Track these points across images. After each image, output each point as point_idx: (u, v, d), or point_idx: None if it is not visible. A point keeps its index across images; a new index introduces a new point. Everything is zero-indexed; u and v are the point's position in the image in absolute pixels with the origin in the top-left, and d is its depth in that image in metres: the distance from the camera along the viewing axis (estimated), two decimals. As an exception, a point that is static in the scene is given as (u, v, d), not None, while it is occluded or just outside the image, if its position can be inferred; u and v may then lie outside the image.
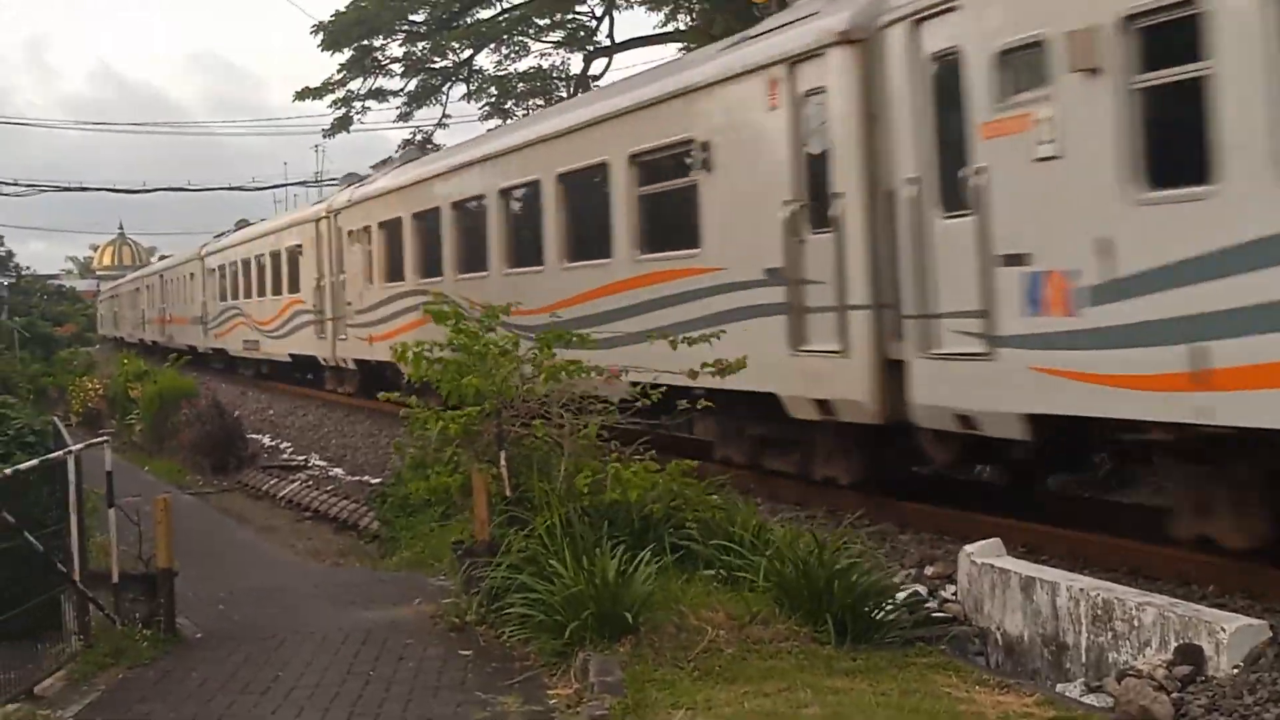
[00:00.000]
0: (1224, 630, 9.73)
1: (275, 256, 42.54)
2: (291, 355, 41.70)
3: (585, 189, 23.94)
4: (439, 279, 29.40)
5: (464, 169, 29.70)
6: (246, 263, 45.76)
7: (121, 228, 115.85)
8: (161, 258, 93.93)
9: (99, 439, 15.59)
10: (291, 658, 11.93)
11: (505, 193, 27.22)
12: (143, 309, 72.43)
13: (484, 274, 27.54)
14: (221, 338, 51.22)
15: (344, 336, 35.70)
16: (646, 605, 10.95)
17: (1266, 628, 9.84)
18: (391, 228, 33.13)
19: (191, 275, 55.60)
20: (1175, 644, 9.91)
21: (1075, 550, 12.97)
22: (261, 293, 44.04)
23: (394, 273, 32.80)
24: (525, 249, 26.29)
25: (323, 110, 53.06)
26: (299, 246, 39.78)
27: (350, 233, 36.13)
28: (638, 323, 20.19)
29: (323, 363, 38.26)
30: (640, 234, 21.66)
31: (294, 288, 40.40)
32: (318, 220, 38.87)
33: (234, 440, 29.18)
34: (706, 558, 12.34)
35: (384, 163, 42.43)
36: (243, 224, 53.07)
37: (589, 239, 23.53)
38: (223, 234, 57.72)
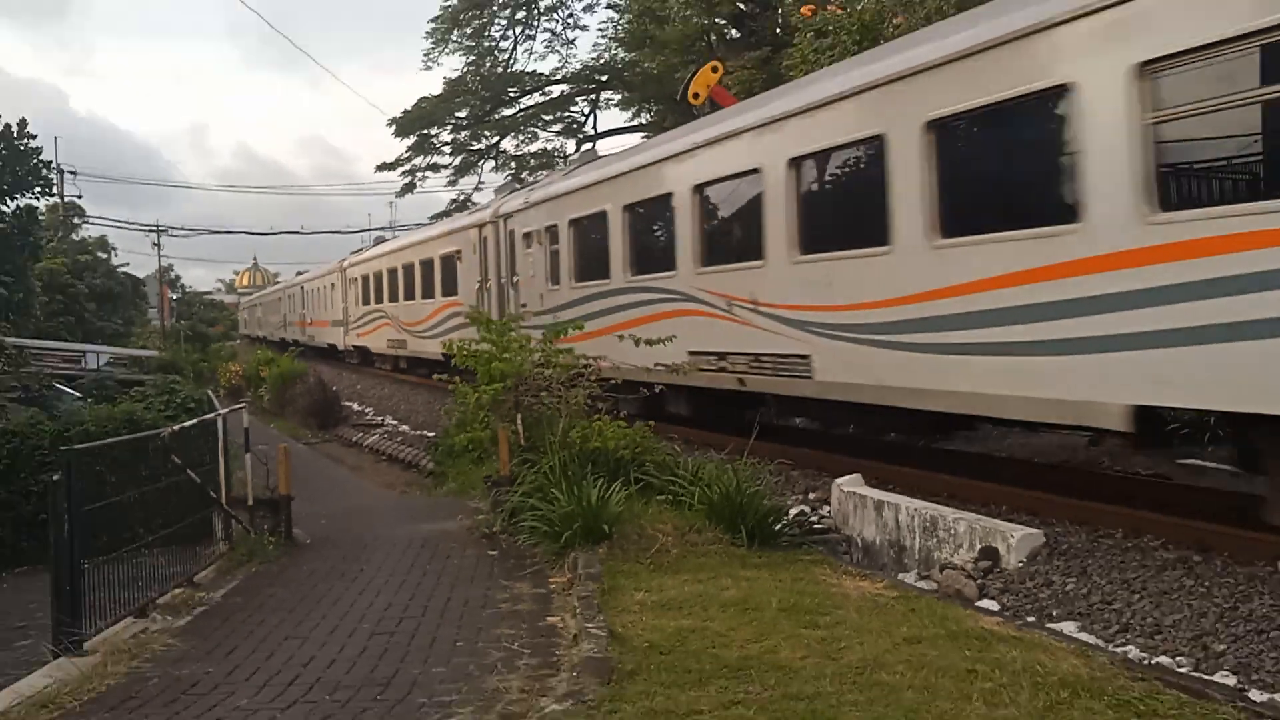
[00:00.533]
0: (1013, 537, 10.02)
1: (427, 264, 35.27)
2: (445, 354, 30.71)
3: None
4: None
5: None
6: (392, 271, 39.51)
7: (255, 259, 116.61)
8: (277, 280, 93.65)
9: (238, 405, 15.90)
10: (372, 556, 12.14)
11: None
12: (284, 314, 67.92)
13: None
14: (364, 337, 45.18)
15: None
16: (617, 520, 11.13)
17: (1042, 535, 10.12)
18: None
19: (332, 285, 50.45)
20: (980, 546, 10.16)
21: (911, 482, 12.83)
22: (410, 296, 36.87)
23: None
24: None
25: (394, 178, 53.70)
26: (457, 252, 31.61)
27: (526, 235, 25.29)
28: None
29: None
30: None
31: (449, 291, 32.57)
32: (480, 226, 29.78)
33: (333, 406, 29.26)
34: (659, 487, 12.41)
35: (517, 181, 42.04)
36: (380, 240, 49.98)
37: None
38: (359, 250, 52.73)
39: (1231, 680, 7.09)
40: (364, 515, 15.28)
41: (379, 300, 42.07)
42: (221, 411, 13.87)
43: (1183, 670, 7.34)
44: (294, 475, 13.70)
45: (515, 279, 25.52)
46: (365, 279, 44.50)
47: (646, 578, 9.98)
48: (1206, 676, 7.18)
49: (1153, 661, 7.52)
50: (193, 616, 9.99)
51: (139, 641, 9.06)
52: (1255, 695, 6.73)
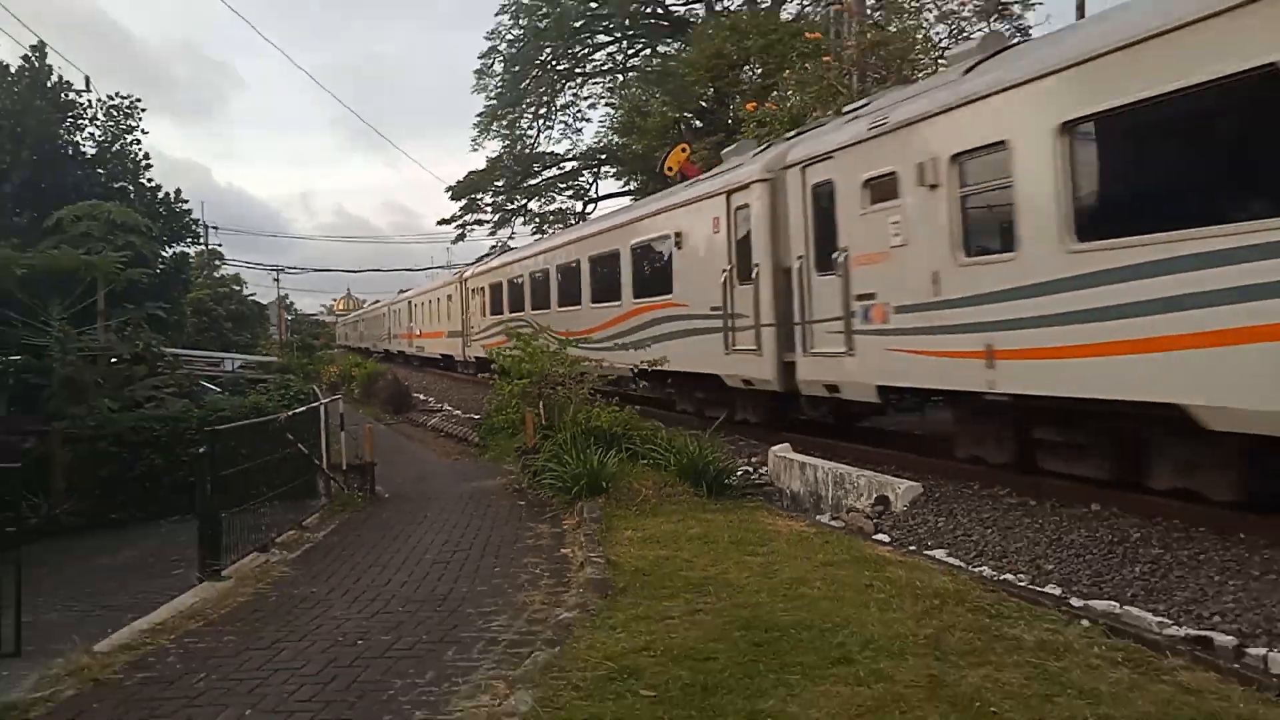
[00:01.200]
0: (900, 488, 10.03)
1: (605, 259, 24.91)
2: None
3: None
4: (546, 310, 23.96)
5: (562, 247, 23.76)
6: (539, 275, 26.79)
7: (348, 290, 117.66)
8: (364, 303, 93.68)
9: (335, 397, 15.96)
10: (433, 505, 12.15)
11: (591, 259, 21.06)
12: (389, 328, 57.77)
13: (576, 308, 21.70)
14: (488, 347, 31.12)
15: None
16: (613, 478, 11.15)
17: (921, 487, 10.08)
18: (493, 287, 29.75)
19: (449, 297, 39.04)
20: (876, 495, 10.17)
21: (827, 450, 12.43)
22: (573, 302, 24.70)
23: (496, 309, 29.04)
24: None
25: (450, 230, 53.72)
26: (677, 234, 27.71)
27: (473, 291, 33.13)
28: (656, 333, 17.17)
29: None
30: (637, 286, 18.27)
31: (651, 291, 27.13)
32: (461, 281, 34.40)
33: (405, 396, 29.16)
34: (643, 454, 12.43)
35: (485, 256, 42.04)
36: (504, 248, 43.09)
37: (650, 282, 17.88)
38: (483, 257, 44.86)
39: (1057, 591, 7.12)
40: (427, 476, 15.27)
41: (516, 309, 29.19)
42: (323, 401, 13.89)
43: (1022, 584, 7.37)
44: (376, 447, 13.74)
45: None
46: (494, 287, 32.06)
47: (634, 520, 10.01)
48: (1039, 589, 7.21)
49: (1000, 578, 7.55)
50: (302, 551, 10.00)
51: (262, 570, 9.09)
52: (1074, 601, 6.76)
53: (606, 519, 10.05)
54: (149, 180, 29.53)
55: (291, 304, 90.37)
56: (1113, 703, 4.79)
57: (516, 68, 48.53)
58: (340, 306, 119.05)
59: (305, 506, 11.91)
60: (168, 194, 29.91)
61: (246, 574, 8.88)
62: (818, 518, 10.47)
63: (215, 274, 49.31)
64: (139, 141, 29.49)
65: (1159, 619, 6.24)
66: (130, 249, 21.08)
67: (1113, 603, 6.63)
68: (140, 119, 29.57)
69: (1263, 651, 5.59)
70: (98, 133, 29.04)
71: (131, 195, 28.07)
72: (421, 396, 30.83)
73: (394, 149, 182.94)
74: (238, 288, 46.73)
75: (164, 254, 27.22)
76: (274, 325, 62.12)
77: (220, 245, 57.60)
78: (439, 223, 57.82)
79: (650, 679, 5.37)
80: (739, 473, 12.00)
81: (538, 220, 50.54)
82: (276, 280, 75.22)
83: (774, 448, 12.31)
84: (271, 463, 11.15)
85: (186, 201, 30.38)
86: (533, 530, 10.25)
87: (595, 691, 5.22)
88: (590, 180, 50.65)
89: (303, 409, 12.95)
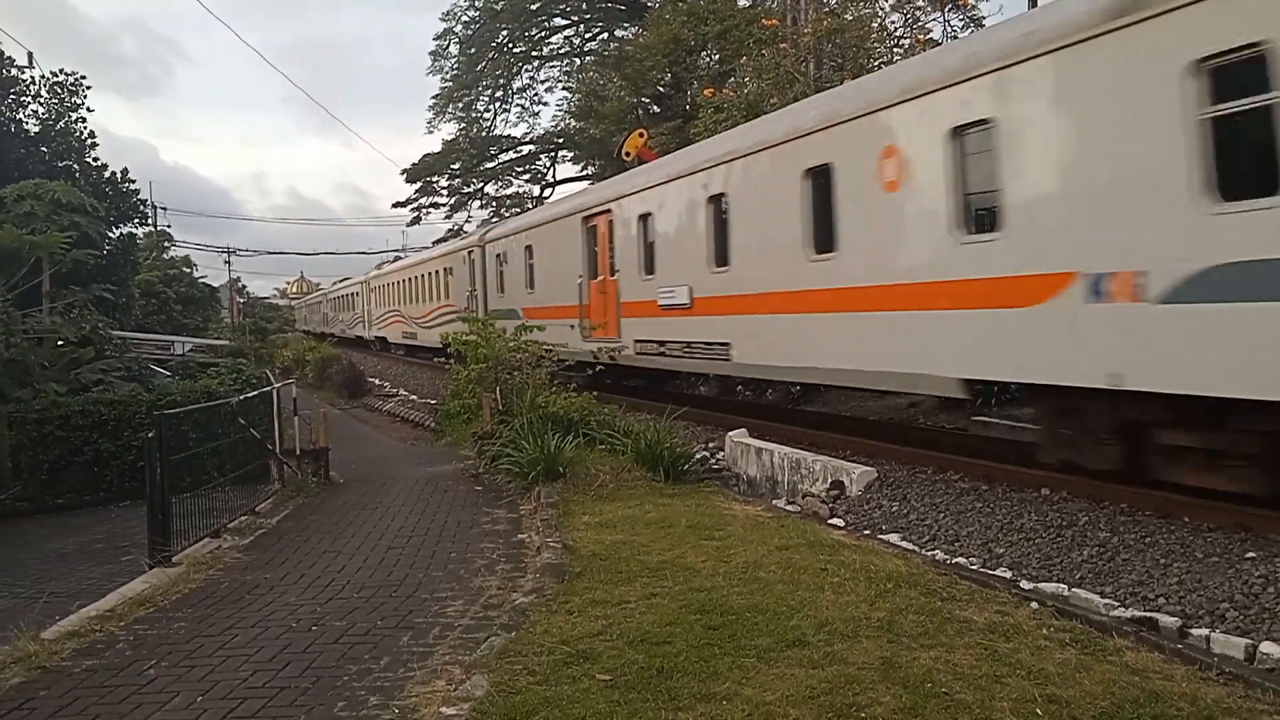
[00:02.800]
0: (855, 473, 10.14)
1: (428, 276, 33.45)
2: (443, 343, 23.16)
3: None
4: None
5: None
6: (405, 281, 35.15)
7: (301, 273, 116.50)
8: (318, 287, 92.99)
9: (288, 381, 15.76)
10: (389, 490, 12.07)
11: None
12: (365, 309, 48.75)
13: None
14: (383, 330, 39.91)
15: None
16: (570, 463, 11.14)
17: (875, 472, 10.22)
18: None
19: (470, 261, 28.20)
20: (831, 480, 10.27)
21: (784, 434, 12.63)
22: (417, 300, 33.93)
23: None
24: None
25: (405, 213, 53.26)
26: (450, 269, 30.32)
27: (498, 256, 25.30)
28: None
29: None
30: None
31: (443, 296, 30.65)
32: (469, 251, 28.38)
33: (360, 381, 28.94)
34: (600, 439, 12.44)
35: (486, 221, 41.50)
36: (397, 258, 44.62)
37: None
38: (496, 222, 38.29)
39: (1008, 574, 7.24)
40: (382, 461, 15.16)
41: (395, 304, 39.04)
42: (276, 385, 13.68)
43: (974, 567, 7.48)
44: (330, 432, 13.60)
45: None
46: (385, 287, 40.81)
47: (591, 505, 9.99)
48: (990, 571, 7.32)
49: (952, 561, 7.66)
50: (254, 537, 9.87)
51: (214, 556, 8.97)
52: (1024, 584, 6.87)
53: (564, 504, 10.02)
54: (95, 159, 28.79)
55: (244, 287, 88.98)
56: (1060, 683, 4.88)
57: (472, 50, 48.15)
58: (294, 289, 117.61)
59: (258, 492, 11.76)
60: (114, 173, 29.19)
61: (198, 560, 8.76)
62: (774, 502, 10.53)
63: (164, 256, 48.27)
64: (84, 120, 28.72)
65: (1106, 601, 6.37)
66: (76, 229, 20.57)
67: (1061, 585, 6.75)
68: (85, 96, 28.79)
69: (1205, 632, 5.72)
70: (41, 110, 28.22)
71: (77, 174, 27.35)
72: (377, 381, 30.58)
73: (348, 130, 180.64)
74: (188, 270, 45.77)
75: (111, 235, 26.55)
76: (225, 308, 61.09)
77: (169, 226, 56.34)
78: (394, 205, 57.33)
79: (606, 663, 5.37)
80: (696, 458, 12.02)
81: (495, 204, 50.31)
82: (228, 262, 74.14)
83: (731, 433, 12.37)
84: (223, 447, 11.11)
85: (134, 181, 29.60)
86: (489, 515, 10.20)
87: (551, 675, 5.21)
88: (548, 164, 50.54)
89: (255, 393, 12.79)
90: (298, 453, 13.06)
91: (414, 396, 25.05)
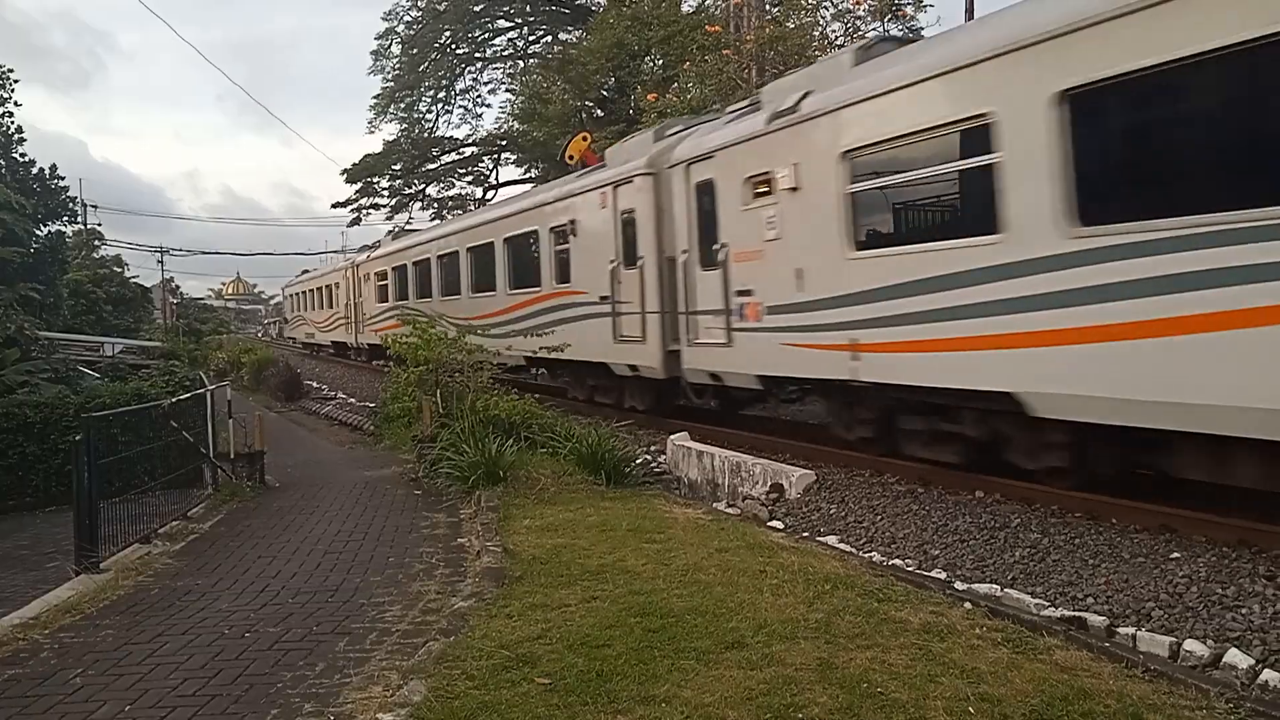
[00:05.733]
0: (794, 476, 10.22)
1: (329, 288, 41.65)
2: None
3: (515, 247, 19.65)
4: (429, 299, 24.91)
5: (438, 239, 25.43)
6: (313, 291, 43.23)
7: (238, 274, 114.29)
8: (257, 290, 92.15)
9: (223, 384, 15.46)
10: (326, 494, 11.92)
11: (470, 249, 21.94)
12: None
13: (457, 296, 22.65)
14: (296, 330, 49.19)
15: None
16: (511, 467, 11.09)
17: (814, 475, 10.30)
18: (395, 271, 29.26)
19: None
20: (770, 483, 10.32)
21: (724, 438, 12.60)
22: (323, 306, 43.01)
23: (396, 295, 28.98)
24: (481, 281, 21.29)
25: (345, 214, 52.43)
26: (337, 284, 38.82)
27: (366, 275, 33.53)
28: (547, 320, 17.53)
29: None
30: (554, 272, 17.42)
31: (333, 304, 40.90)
32: (347, 269, 37.25)
33: (297, 384, 28.41)
34: (542, 443, 12.40)
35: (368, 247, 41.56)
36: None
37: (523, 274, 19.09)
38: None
39: (943, 575, 7.35)
40: (320, 465, 14.91)
41: (302, 310, 47.05)
42: (210, 388, 13.42)
43: (909, 568, 7.58)
44: (266, 435, 13.36)
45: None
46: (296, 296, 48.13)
47: (532, 509, 9.95)
48: (925, 573, 7.43)
49: (889, 563, 7.75)
50: (186, 542, 9.68)
51: (143, 561, 8.79)
52: (958, 585, 6.98)
53: (504, 508, 9.96)
54: (22, 155, 28.03)
55: (177, 287, 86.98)
56: (992, 681, 4.97)
57: (415, 50, 47.73)
58: (230, 291, 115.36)
59: (191, 496, 11.53)
60: (42, 169, 28.44)
61: (127, 566, 8.57)
62: (715, 505, 10.55)
63: (95, 255, 47.07)
64: (10, 114, 27.95)
65: (1037, 601, 6.50)
66: (1, 227, 19.97)
67: (994, 585, 6.88)
68: (12, 90, 27.99)
69: (1132, 631, 5.87)
70: (-36, 105, 27.42)
71: (2, 170, 26.61)
72: (315, 384, 30.10)
73: (286, 128, 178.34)
74: (119, 269, 44.67)
75: (38, 233, 25.84)
76: (158, 309, 59.70)
77: (100, 225, 54.86)
78: (334, 206, 56.70)
79: (546, 666, 5.35)
80: (638, 461, 12.04)
81: (436, 205, 49.83)
82: (160, 262, 72.51)
83: (673, 436, 12.38)
84: (154, 451, 10.89)
85: (63, 178, 28.91)
86: (429, 520, 10.11)
87: (490, 680, 5.18)
88: (491, 166, 50.21)
89: (188, 395, 12.51)
90: (232, 456, 12.80)
91: (352, 399, 24.72)
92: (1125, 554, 7.08)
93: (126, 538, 9.20)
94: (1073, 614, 6.20)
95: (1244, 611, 5.85)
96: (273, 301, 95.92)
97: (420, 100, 49.46)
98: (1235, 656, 5.32)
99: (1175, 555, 6.85)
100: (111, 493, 9.14)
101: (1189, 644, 5.55)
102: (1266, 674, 5.11)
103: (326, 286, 42.46)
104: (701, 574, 7.11)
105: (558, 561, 7.70)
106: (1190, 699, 4.80)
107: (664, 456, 12.49)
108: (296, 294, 51.52)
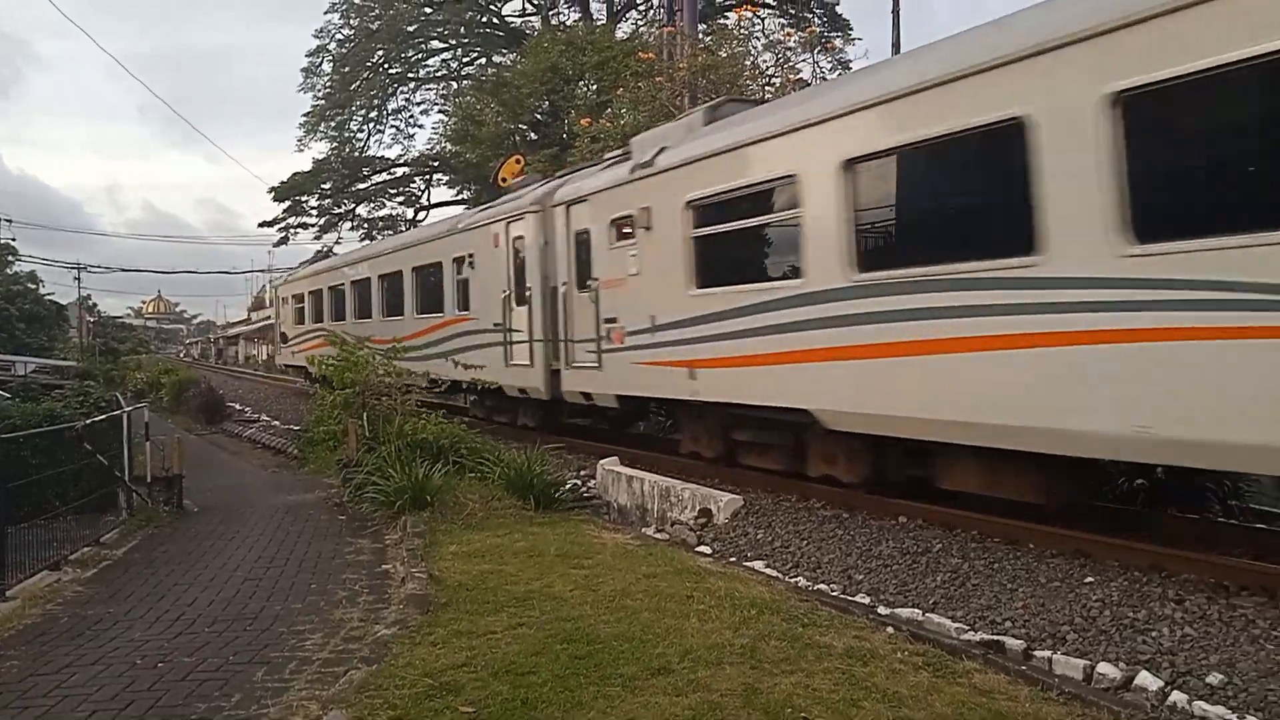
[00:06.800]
0: (722, 501, 10.23)
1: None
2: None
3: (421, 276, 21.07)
4: (344, 322, 25.44)
5: (356, 264, 26.53)
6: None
7: (159, 292, 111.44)
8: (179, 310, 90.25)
9: (141, 405, 15.02)
10: (247, 519, 11.63)
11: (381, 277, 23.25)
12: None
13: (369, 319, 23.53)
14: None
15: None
16: (438, 492, 10.99)
17: (742, 500, 10.31)
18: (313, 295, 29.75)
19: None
20: (699, 508, 10.34)
21: (654, 462, 12.63)
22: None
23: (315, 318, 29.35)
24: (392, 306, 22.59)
25: (272, 232, 51.53)
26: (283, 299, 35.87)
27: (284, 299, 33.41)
28: (451, 346, 18.49)
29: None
30: (455, 300, 18.78)
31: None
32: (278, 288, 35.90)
33: (219, 405, 27.77)
34: (470, 467, 12.29)
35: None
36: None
37: (427, 302, 20.70)
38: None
39: (866, 600, 7.45)
40: (241, 489, 14.56)
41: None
42: (127, 409, 13.02)
43: (834, 593, 7.66)
44: (185, 459, 13.01)
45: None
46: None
47: (459, 534, 9.89)
48: (850, 598, 7.52)
49: (814, 587, 7.83)
50: (98, 569, 9.36)
51: (53, 589, 8.48)
52: (882, 609, 7.09)
53: (430, 533, 9.86)
54: (-69, 166, 27.12)
55: (95, 305, 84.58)
56: (913, 705, 5.05)
57: (347, 68, 47.39)
58: (151, 310, 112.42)
59: (104, 522, 11.13)
60: (-49, 182, 27.52)
61: (35, 594, 8.26)
62: (643, 530, 10.59)
63: (7, 270, 45.60)
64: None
65: (957, 625, 6.63)
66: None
67: (916, 610, 6.99)
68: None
69: (1048, 654, 6.01)
70: None
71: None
72: (238, 406, 29.44)
73: (211, 145, 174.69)
74: (33, 286, 43.39)
75: (-53, 247, 24.97)
76: (74, 327, 57.98)
77: (14, 240, 53.26)
78: (261, 224, 55.66)
79: (470, 694, 5.29)
80: (567, 486, 12.01)
81: (366, 225, 49.23)
82: (77, 279, 70.61)
83: (602, 461, 12.36)
84: (66, 474, 10.55)
85: (-26, 191, 28.00)
86: (353, 545, 9.94)
87: (412, 709, 5.10)
88: (423, 187, 49.85)
89: (103, 417, 12.12)
90: (149, 480, 12.43)
91: (276, 422, 24.23)
92: (1042, 578, 7.25)
93: (35, 564, 8.87)
94: (992, 638, 6.33)
95: (1154, 635, 6.03)
96: (195, 321, 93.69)
97: (351, 119, 49.12)
98: (1145, 679, 5.48)
99: (1089, 579, 7.03)
100: (20, 517, 8.84)
101: (1102, 667, 5.70)
102: (1175, 695, 5.28)
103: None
104: (629, 600, 7.12)
105: (484, 588, 7.65)
106: (1102, 720, 4.93)
107: (594, 481, 12.44)
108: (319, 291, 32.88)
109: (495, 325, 16.70)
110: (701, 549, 9.46)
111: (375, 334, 20.07)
